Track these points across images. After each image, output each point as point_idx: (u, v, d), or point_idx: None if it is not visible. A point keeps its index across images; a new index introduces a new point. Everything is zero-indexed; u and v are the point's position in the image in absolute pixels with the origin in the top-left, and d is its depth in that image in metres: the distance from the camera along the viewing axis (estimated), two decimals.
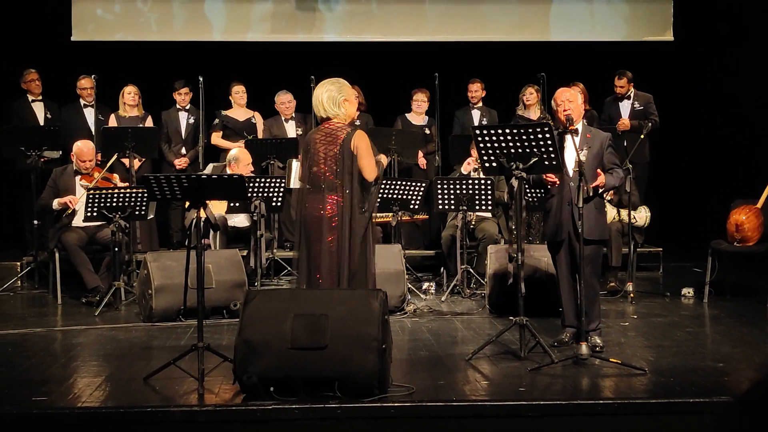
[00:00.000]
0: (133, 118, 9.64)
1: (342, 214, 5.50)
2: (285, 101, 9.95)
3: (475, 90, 10.15)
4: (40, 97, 9.70)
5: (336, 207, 5.52)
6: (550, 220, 6.20)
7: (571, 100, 6.16)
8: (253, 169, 8.70)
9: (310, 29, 10.88)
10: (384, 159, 5.94)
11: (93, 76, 9.54)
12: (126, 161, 9.06)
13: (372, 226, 5.72)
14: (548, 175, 5.99)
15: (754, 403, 2.03)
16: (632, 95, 9.82)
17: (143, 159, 9.44)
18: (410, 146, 9.56)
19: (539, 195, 7.86)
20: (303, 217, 5.63)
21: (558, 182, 6.03)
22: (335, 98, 5.64)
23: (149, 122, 9.71)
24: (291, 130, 9.94)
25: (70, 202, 8.08)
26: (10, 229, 9.95)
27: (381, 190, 7.71)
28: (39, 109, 9.67)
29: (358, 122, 9.45)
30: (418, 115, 10.04)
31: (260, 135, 9.86)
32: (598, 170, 6.00)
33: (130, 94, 9.65)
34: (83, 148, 8.28)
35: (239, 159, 8.63)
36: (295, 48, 10.92)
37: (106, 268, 7.97)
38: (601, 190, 6.04)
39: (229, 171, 8.48)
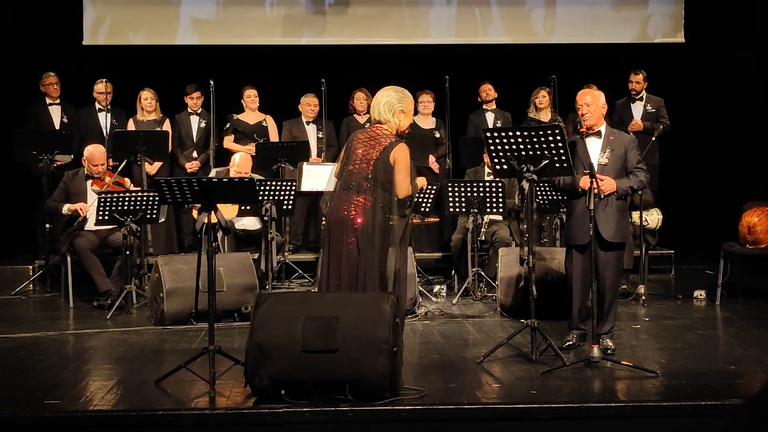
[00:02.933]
0: (151, 122, 9.67)
1: (366, 216, 5.50)
2: (311, 104, 9.96)
3: (488, 89, 10.15)
4: (58, 101, 9.74)
5: (361, 209, 5.51)
6: (575, 223, 6.13)
7: (588, 103, 6.13)
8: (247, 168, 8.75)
9: (321, 33, 10.88)
10: (422, 182, 5.93)
11: (104, 80, 9.57)
12: (149, 167, 9.13)
13: (404, 231, 5.68)
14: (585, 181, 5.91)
15: (764, 406, 2.03)
16: (644, 98, 9.82)
17: (160, 162, 9.46)
18: (421, 149, 9.54)
19: (551, 198, 7.85)
20: (327, 216, 5.64)
21: (596, 186, 5.91)
22: (393, 105, 5.64)
23: (167, 125, 9.73)
24: (312, 132, 9.95)
25: (81, 209, 8.10)
26: (23, 233, 9.98)
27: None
28: (56, 113, 9.71)
29: (368, 124, 9.45)
30: (425, 117, 10.02)
31: (271, 138, 9.87)
32: (600, 177, 5.93)
33: (147, 99, 9.67)
34: (94, 153, 8.31)
35: (239, 166, 8.68)
36: (306, 51, 10.93)
37: (117, 272, 8.00)
38: (615, 196, 5.99)
39: (232, 174, 8.53)
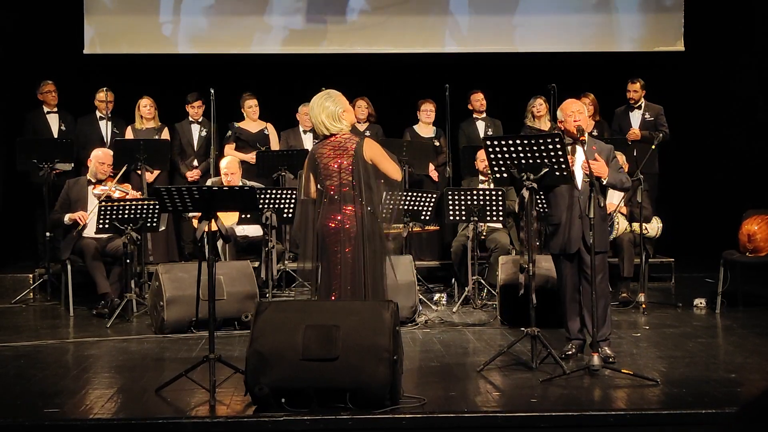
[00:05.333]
0: (150, 130, 9.69)
1: (360, 224, 5.51)
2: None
3: (481, 99, 10.16)
4: (56, 109, 9.75)
5: (354, 218, 5.52)
6: (559, 233, 6.16)
7: (580, 111, 6.17)
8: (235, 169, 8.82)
9: (322, 41, 10.91)
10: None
11: (105, 89, 9.59)
12: (148, 175, 9.16)
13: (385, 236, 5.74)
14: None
15: (757, 413, 2.03)
16: (643, 106, 9.84)
17: (158, 171, 9.48)
18: (421, 157, 9.57)
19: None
20: (317, 230, 5.62)
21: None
22: (334, 113, 5.62)
23: (165, 134, 9.75)
24: (308, 141, 9.96)
25: (80, 218, 8.11)
26: (23, 241, 9.99)
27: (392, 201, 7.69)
28: (53, 121, 9.73)
29: (368, 133, 9.47)
30: (426, 126, 10.04)
31: (273, 146, 9.89)
32: (596, 156, 6.00)
33: (146, 107, 9.69)
34: (99, 153, 8.40)
35: (227, 167, 8.75)
36: (306, 60, 10.95)
37: (117, 278, 8.02)
38: (605, 182, 6.01)
39: (225, 181, 8.61)
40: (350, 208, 5.53)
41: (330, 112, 5.61)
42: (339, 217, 5.53)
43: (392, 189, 5.80)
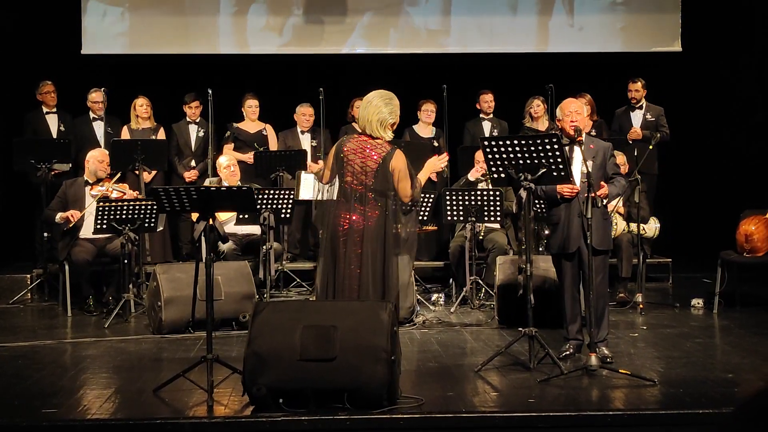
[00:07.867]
0: (146, 130, 9.68)
1: (371, 226, 5.49)
2: (307, 113, 9.97)
3: (490, 100, 10.15)
4: (55, 109, 9.74)
5: (365, 219, 5.50)
6: (558, 232, 6.17)
7: (578, 111, 6.17)
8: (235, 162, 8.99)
9: (320, 42, 10.92)
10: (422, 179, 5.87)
11: (103, 89, 9.58)
12: (145, 175, 9.18)
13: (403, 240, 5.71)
14: (564, 187, 5.96)
15: (754, 413, 2.04)
16: (644, 106, 9.84)
17: (154, 171, 9.48)
18: (419, 158, 9.51)
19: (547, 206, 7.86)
20: (330, 228, 5.61)
21: (576, 191, 5.97)
22: (386, 121, 5.59)
23: (161, 134, 9.75)
24: (306, 142, 9.96)
25: (71, 216, 8.11)
26: (21, 242, 9.99)
27: None
28: (53, 121, 9.72)
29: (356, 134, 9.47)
30: (426, 126, 10.04)
31: (271, 147, 9.88)
32: (602, 182, 6.01)
33: (142, 106, 9.69)
34: (98, 153, 8.44)
35: (221, 163, 8.91)
36: (305, 60, 10.95)
37: (114, 289, 8.12)
38: (605, 201, 6.04)
39: (222, 178, 8.73)
40: (364, 209, 5.51)
41: (383, 118, 5.59)
42: (350, 217, 5.51)
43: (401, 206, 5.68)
